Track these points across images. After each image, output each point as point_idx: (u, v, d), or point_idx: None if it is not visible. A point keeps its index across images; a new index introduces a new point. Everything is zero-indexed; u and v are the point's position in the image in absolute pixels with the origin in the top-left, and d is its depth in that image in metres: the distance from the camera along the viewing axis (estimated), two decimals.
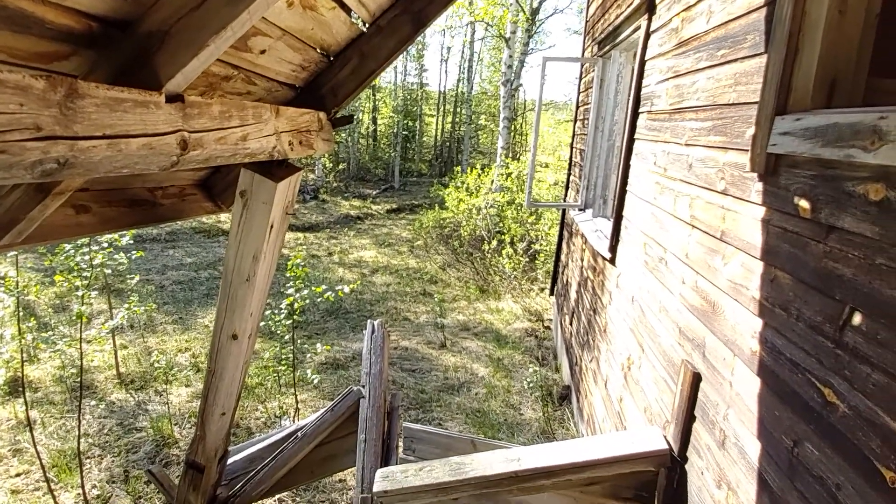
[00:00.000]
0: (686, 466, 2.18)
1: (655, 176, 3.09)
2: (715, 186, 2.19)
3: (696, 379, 2.15)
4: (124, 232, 4.31)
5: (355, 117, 24.25)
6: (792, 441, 1.47)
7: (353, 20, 2.37)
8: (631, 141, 3.80)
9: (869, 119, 1.22)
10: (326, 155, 21.06)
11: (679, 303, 2.47)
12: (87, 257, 4.21)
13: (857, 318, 1.25)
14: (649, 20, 3.60)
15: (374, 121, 27.33)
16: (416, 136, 26.83)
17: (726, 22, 2.26)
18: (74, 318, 4.15)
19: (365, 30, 2.50)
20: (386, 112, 27.43)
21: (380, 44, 2.52)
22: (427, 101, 29.44)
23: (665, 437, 2.33)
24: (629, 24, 4.28)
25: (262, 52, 1.99)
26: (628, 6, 4.26)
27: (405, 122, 25.32)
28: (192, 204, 2.57)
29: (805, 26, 1.64)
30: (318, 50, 2.36)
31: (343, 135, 23.56)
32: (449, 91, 29.33)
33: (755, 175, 1.83)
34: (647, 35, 3.61)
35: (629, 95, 4.20)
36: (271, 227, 2.25)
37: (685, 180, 2.57)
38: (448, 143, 27.61)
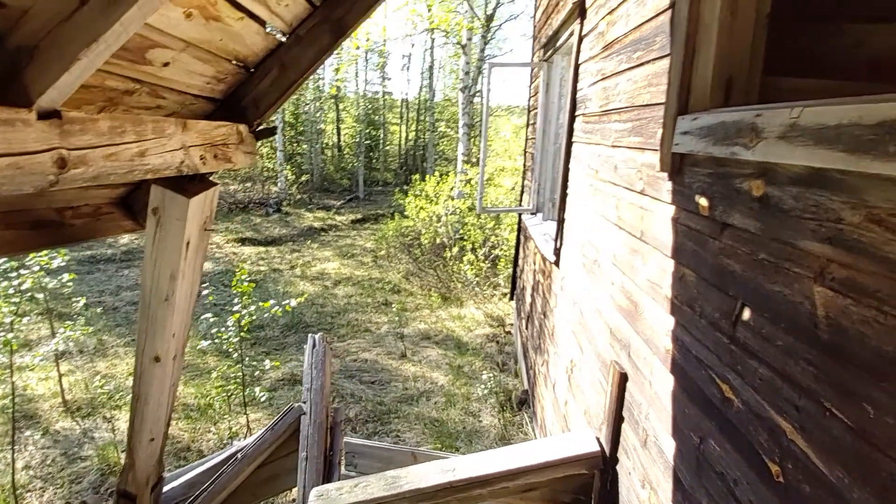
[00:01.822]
0: (617, 467, 2.17)
1: (589, 178, 3.11)
2: (635, 187, 2.21)
3: (623, 379, 2.15)
4: (55, 253, 4.15)
5: (318, 128, 24.11)
6: (699, 438, 1.47)
7: (268, 31, 2.32)
8: (570, 144, 3.83)
9: (748, 117, 1.24)
10: (289, 167, 20.81)
11: (610, 304, 2.48)
12: (15, 282, 4.03)
13: (746, 314, 1.26)
14: (581, 24, 3.64)
15: (338, 131, 27.16)
16: (380, 145, 26.74)
17: (640, 25, 2.28)
18: (2, 345, 3.97)
19: (284, 40, 2.45)
20: (349, 121, 27.29)
21: (300, 53, 2.47)
22: (391, 110, 29.40)
23: (598, 438, 2.32)
24: (566, 28, 4.33)
25: (166, 64, 1.93)
26: (564, 11, 4.30)
27: (368, 131, 25.22)
28: (108, 223, 2.47)
29: (700, 28, 1.66)
30: (234, 61, 2.30)
31: (305, 146, 23.36)
32: (412, 99, 29.38)
33: (665, 175, 1.84)
34: (580, 39, 3.64)
35: (569, 98, 4.24)
36: (188, 244, 2.17)
37: (612, 182, 2.59)
38: (413, 151, 27.61)
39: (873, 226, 0.87)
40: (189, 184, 2.13)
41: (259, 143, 2.72)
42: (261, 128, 2.63)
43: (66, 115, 1.41)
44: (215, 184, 2.26)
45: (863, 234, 0.89)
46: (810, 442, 1.02)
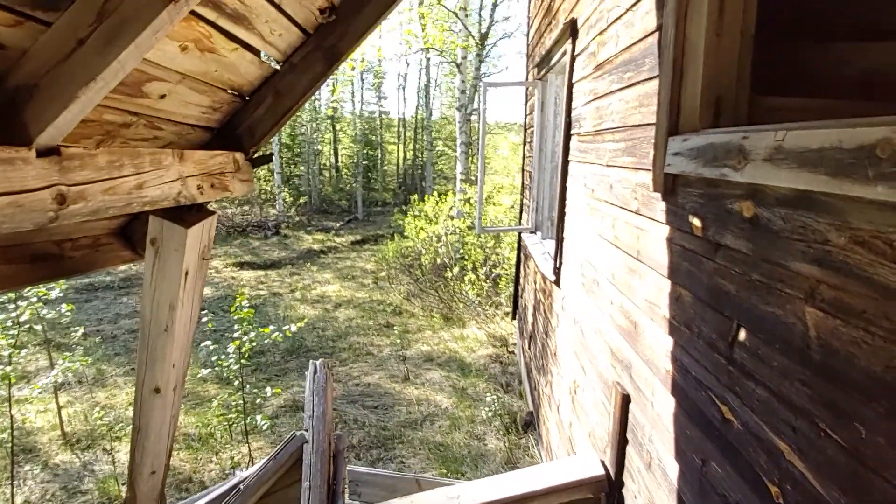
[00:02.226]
0: (623, 491, 2.15)
1: (586, 197, 3.13)
2: (630, 206, 2.22)
3: (626, 401, 2.14)
4: (52, 285, 4.15)
5: (316, 149, 24.28)
6: (701, 460, 1.46)
7: (263, 59, 2.36)
8: (566, 163, 3.86)
9: (735, 139, 1.25)
10: (287, 189, 20.92)
11: (610, 324, 2.48)
12: (13, 314, 4.03)
13: (742, 335, 1.26)
14: (573, 44, 3.70)
15: (336, 152, 27.35)
16: (378, 165, 26.90)
17: (629, 46, 2.32)
18: (0, 378, 3.95)
19: (278, 68, 2.49)
20: (346, 142, 27.50)
21: (294, 81, 2.50)
22: (388, 129, 29.63)
23: (603, 461, 2.30)
24: (558, 47, 4.38)
25: (162, 96, 1.96)
26: (557, 30, 4.37)
27: (366, 151, 25.40)
28: (107, 254, 2.48)
29: (687, 49, 1.69)
30: (229, 91, 2.34)
31: (303, 167, 23.50)
32: (409, 118, 29.63)
33: (658, 195, 1.86)
34: (573, 58, 3.70)
35: (564, 117, 4.29)
36: (186, 274, 2.18)
37: (608, 201, 2.61)
38: (411, 170, 27.76)
39: (858, 247, 0.87)
40: (187, 213, 2.15)
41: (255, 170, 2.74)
42: (257, 155, 2.65)
43: (65, 151, 1.43)
44: (213, 212, 2.27)
45: (848, 255, 0.90)
46: (807, 463, 1.02)
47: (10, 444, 4.54)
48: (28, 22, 1.28)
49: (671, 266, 1.74)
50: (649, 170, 1.98)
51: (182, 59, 1.86)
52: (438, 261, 11.15)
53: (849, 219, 0.90)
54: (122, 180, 1.66)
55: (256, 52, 2.26)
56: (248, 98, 2.50)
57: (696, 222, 1.55)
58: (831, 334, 0.95)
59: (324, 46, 2.45)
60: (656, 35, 1.99)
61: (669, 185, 1.76)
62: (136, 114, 1.93)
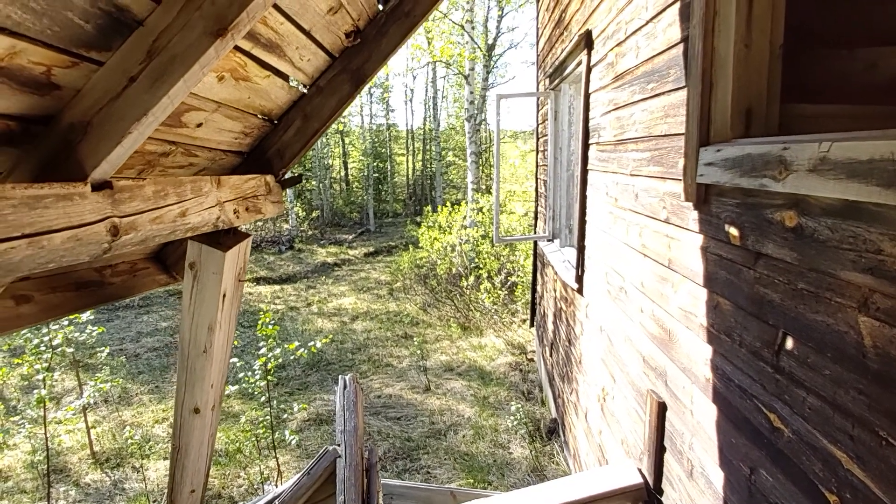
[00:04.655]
0: (663, 499, 2.15)
1: (608, 206, 3.14)
2: (658, 216, 2.24)
3: (662, 408, 2.14)
4: None
5: (326, 163, 24.48)
6: (749, 468, 1.47)
7: (291, 84, 2.41)
8: (585, 172, 3.87)
9: (775, 150, 1.27)
10: (299, 203, 21.08)
11: (640, 332, 2.49)
12: (46, 338, 4.10)
13: (789, 343, 1.27)
14: (589, 55, 3.73)
15: (345, 165, 27.55)
16: (388, 177, 27.06)
17: (651, 57, 2.34)
18: (35, 402, 4.02)
19: (305, 91, 2.55)
20: (356, 155, 27.70)
21: (322, 103, 2.56)
22: (396, 141, 29.81)
23: (640, 469, 2.31)
24: (572, 58, 4.42)
25: (199, 125, 2.01)
26: (570, 41, 4.40)
27: (376, 163, 25.57)
28: (144, 279, 2.54)
29: (716, 61, 1.71)
30: (260, 115, 2.39)
31: (314, 182, 23.68)
32: (417, 129, 29.80)
33: (690, 204, 1.87)
34: (589, 69, 3.72)
35: (580, 127, 4.31)
36: (224, 296, 2.23)
37: (633, 210, 2.63)
38: (421, 181, 27.88)
39: None
40: (224, 237, 2.19)
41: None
42: (286, 177, 2.70)
43: (117, 184, 1.47)
44: (248, 235, 2.32)
45: None
46: (868, 471, 1.03)
47: (44, 466, 4.60)
48: (83, 63, 1.33)
49: (707, 275, 1.75)
50: (678, 179, 2.00)
51: (218, 88, 1.92)
52: (453, 270, 11.18)
53: None
54: (167, 209, 1.71)
55: (286, 78, 2.31)
56: (276, 122, 2.56)
57: (734, 231, 1.56)
58: (889, 343, 0.96)
59: (350, 69, 2.51)
60: (681, 46, 2.01)
61: (702, 195, 1.78)
62: (175, 143, 1.98)
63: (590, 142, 3.74)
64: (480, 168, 17.26)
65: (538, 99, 7.05)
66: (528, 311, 8.72)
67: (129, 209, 1.53)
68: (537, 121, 7.17)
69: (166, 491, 2.63)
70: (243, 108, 2.19)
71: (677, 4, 2.03)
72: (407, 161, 29.35)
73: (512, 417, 5.84)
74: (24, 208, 1.17)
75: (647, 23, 2.38)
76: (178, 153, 2.07)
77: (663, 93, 2.19)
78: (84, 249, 1.36)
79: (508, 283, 10.22)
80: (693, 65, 1.80)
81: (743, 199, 1.51)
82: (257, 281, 13.91)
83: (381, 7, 2.46)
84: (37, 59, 1.22)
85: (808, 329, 1.20)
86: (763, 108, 1.65)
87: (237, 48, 1.83)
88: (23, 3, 1.08)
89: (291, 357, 6.54)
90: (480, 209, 12.20)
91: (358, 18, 2.37)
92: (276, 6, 1.84)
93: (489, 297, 9.58)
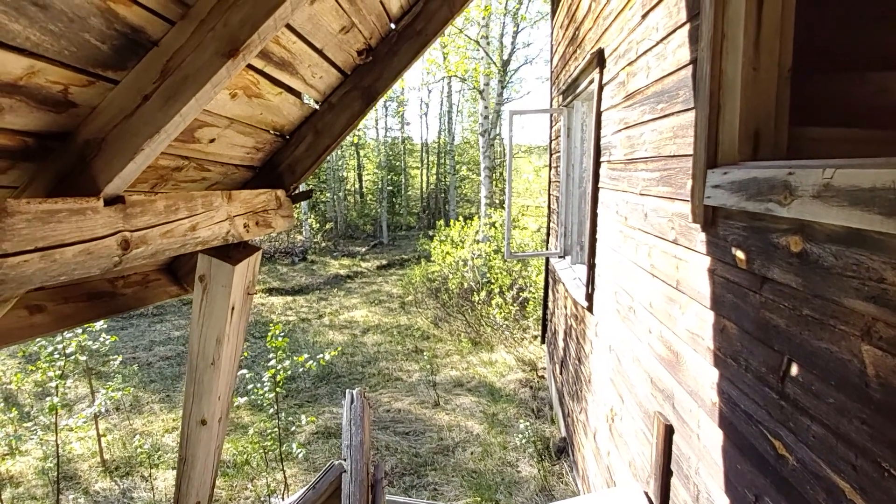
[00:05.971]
0: None
1: (619, 224, 3.14)
2: (667, 236, 2.23)
3: (669, 431, 2.12)
4: None
5: (340, 175, 24.69)
6: (754, 496, 1.44)
7: (303, 101, 2.45)
8: (596, 189, 3.87)
9: (780, 175, 1.27)
10: (313, 215, 21.26)
11: (648, 352, 2.47)
12: (60, 346, 4.16)
13: (794, 369, 1.26)
14: (601, 73, 3.74)
15: (360, 177, 27.76)
16: (402, 190, 27.21)
17: (661, 77, 2.35)
18: (48, 409, 4.07)
19: (317, 107, 2.58)
20: (370, 168, 27.92)
21: (333, 120, 2.59)
22: (411, 154, 30.01)
23: (647, 493, 2.27)
24: (585, 76, 4.43)
25: (212, 140, 2.05)
26: (583, 59, 4.42)
27: (390, 176, 25.73)
28: (155, 290, 2.57)
29: (724, 84, 1.71)
30: (271, 131, 2.43)
31: (328, 194, 23.88)
32: (432, 143, 29.98)
33: (698, 226, 1.87)
34: (601, 87, 3.74)
35: (592, 144, 4.32)
36: (233, 309, 2.25)
37: (643, 229, 2.62)
38: (434, 195, 27.99)
39: None
40: (233, 251, 2.22)
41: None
42: (297, 192, 2.74)
43: (129, 199, 1.50)
44: (258, 248, 2.35)
45: None
46: (870, 503, 1.01)
47: (55, 473, 4.65)
48: (99, 82, 1.37)
49: (714, 297, 1.74)
50: (686, 200, 2.00)
51: (231, 105, 1.96)
52: (465, 285, 11.17)
53: None
54: (178, 223, 1.74)
55: (298, 95, 2.35)
56: (288, 137, 2.59)
57: (740, 255, 1.55)
58: (892, 373, 0.95)
59: (361, 86, 2.54)
60: (690, 68, 2.02)
61: (709, 217, 1.77)
62: (188, 158, 2.02)
63: (601, 160, 3.74)
64: (494, 183, 17.30)
65: (551, 115, 7.07)
66: (540, 328, 8.67)
67: (141, 223, 1.55)
68: (550, 137, 7.20)
69: (172, 502, 2.64)
70: (255, 124, 2.23)
71: (687, 26, 2.04)
72: (421, 174, 29.51)
73: (521, 435, 5.79)
74: (38, 223, 1.20)
75: (658, 43, 2.39)
76: (191, 168, 2.10)
77: (672, 113, 2.19)
78: (95, 263, 1.39)
79: (520, 299, 10.18)
80: (701, 87, 1.81)
81: (749, 223, 1.51)
82: (269, 292, 14.00)
83: (392, 26, 2.50)
84: (55, 78, 1.25)
85: (812, 356, 1.19)
86: (771, 130, 1.65)
87: (250, 66, 1.86)
88: (42, 26, 1.12)
89: (301, 369, 6.56)
90: (493, 224, 12.20)
91: (370, 37, 2.41)
92: (288, 26, 1.88)
93: (500, 313, 9.55)
